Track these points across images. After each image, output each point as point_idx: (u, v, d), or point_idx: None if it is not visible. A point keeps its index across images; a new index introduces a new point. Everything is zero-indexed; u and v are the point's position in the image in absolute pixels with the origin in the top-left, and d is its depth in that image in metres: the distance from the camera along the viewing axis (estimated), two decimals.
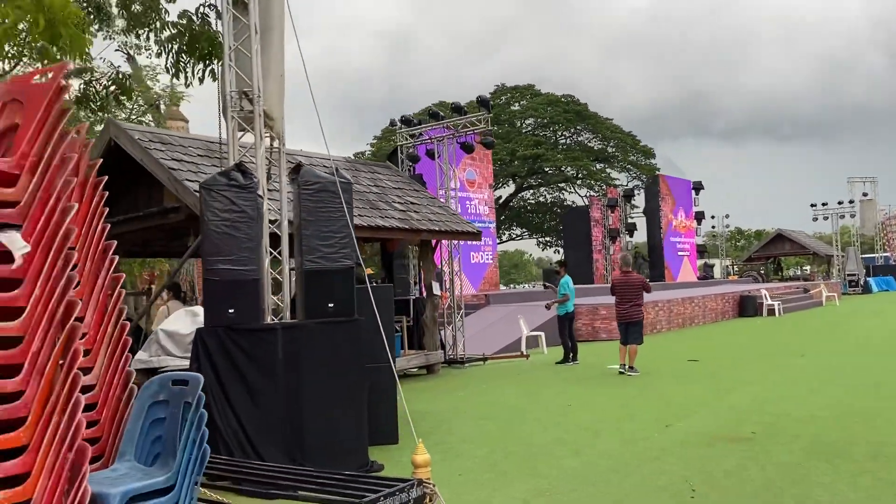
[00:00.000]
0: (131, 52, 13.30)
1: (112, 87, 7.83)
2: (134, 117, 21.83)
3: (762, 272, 44.59)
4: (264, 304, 6.56)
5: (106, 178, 3.52)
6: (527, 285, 60.52)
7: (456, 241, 14.80)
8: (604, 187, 39.36)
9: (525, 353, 14.11)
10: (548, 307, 13.41)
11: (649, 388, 9.71)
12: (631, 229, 32.45)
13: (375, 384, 6.75)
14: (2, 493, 2.19)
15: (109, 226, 3.45)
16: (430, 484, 3.47)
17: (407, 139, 15.57)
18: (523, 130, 42.70)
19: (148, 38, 7.08)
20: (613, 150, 43.47)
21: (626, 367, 10.80)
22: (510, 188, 45.00)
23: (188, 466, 3.25)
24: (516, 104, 43.03)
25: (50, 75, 3.01)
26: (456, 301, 14.37)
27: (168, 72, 7.47)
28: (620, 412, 8.11)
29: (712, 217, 47.28)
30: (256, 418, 5.83)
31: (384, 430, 7.00)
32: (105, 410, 3.43)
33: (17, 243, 2.23)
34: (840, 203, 44.69)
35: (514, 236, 48.06)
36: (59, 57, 5.23)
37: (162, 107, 22.77)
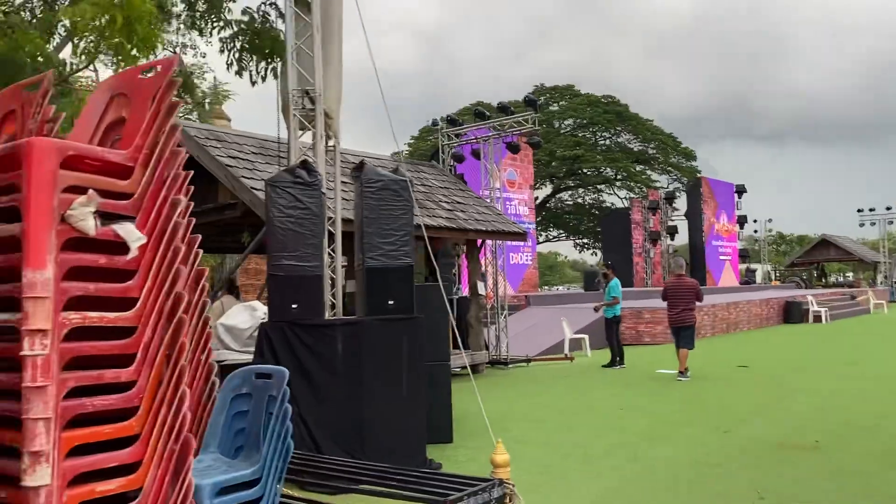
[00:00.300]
0: (176, 51, 13.51)
1: None
2: (181, 115, 22.19)
3: (804, 278, 43.68)
4: (326, 301, 6.61)
5: (192, 172, 3.55)
6: (561, 287, 60.01)
7: (500, 242, 14.77)
8: (644, 189, 38.93)
9: (569, 356, 14.00)
10: (596, 309, 13.28)
11: (702, 393, 9.56)
12: (672, 232, 32.00)
13: (430, 382, 6.75)
14: (116, 481, 2.22)
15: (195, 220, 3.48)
16: (510, 484, 3.45)
17: (452, 138, 15.55)
18: (562, 131, 42.42)
19: (211, 34, 7.17)
20: (654, 151, 42.93)
21: (678, 371, 10.66)
22: (547, 189, 44.73)
23: (273, 460, 3.27)
24: (555, 104, 42.76)
25: (140, 71, 3.06)
26: (500, 301, 14.32)
27: (228, 69, 7.55)
28: (675, 417, 8.00)
29: (754, 221, 46.42)
30: (317, 413, 5.87)
31: (438, 428, 6.99)
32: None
33: (132, 234, 2.27)
34: (889, 209, 43.62)
35: (550, 238, 47.78)
36: (133, 54, 5.32)
37: (205, 105, 23.18)
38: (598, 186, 44.38)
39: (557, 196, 45.69)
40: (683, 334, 10.61)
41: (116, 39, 5.23)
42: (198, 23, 7.22)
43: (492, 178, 15.25)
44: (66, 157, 2.16)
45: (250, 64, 7.20)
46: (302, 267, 6.02)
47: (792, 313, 23.05)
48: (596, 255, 46.11)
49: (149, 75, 2.64)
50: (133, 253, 2.26)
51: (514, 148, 15.37)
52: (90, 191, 2.18)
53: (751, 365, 12.32)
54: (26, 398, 2.02)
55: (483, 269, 14.06)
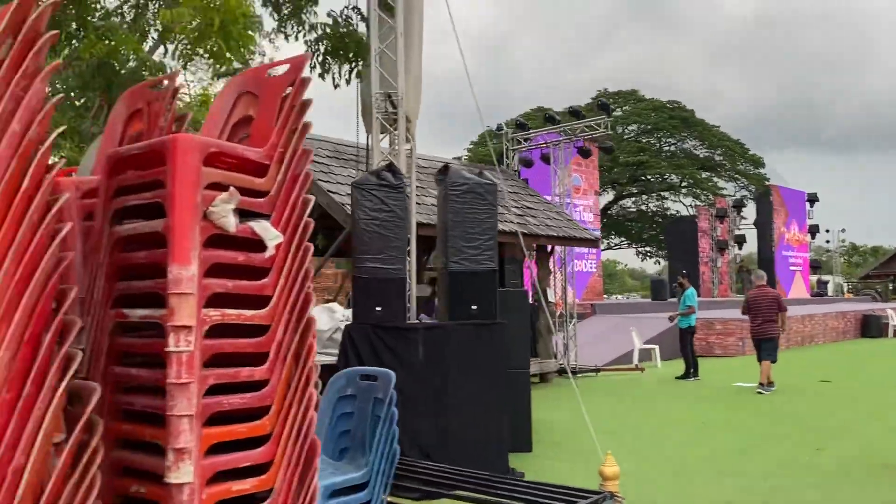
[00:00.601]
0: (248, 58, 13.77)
1: None
2: None
3: (879, 290, 41.84)
4: (408, 303, 6.59)
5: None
6: (620, 297, 58.89)
7: (567, 249, 14.56)
8: (710, 197, 37.97)
9: (639, 366, 13.70)
10: (671, 319, 12.94)
11: (785, 408, 9.20)
12: (740, 241, 31.08)
13: (511, 390, 6.65)
14: (249, 480, 2.20)
15: None
16: (620, 497, 3.33)
17: (518, 143, 15.42)
18: (625, 137, 41.72)
19: (297, 38, 7.26)
20: (721, 158, 41.84)
21: (758, 383, 10.31)
22: (609, 196, 44.02)
23: (380, 464, 3.23)
24: (619, 109, 42.07)
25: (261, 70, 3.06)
26: (568, 309, 14.10)
27: (311, 71, 7.60)
28: (762, 432, 7.71)
29: (826, 231, 44.76)
30: (400, 416, 5.83)
31: (517, 436, 6.87)
32: None
33: (269, 232, 2.25)
34: None
35: (612, 245, 47.01)
36: (228, 56, 5.39)
37: None
38: (663, 193, 43.45)
39: (620, 203, 44.94)
40: (765, 346, 10.25)
41: (212, 41, 5.30)
42: (282, 27, 7.30)
43: (561, 184, 15.07)
44: (208, 153, 2.16)
45: (333, 67, 7.25)
46: (386, 269, 6.01)
47: (870, 327, 22.11)
48: (659, 263, 45.18)
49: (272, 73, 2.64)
50: (270, 251, 2.25)
51: (585, 153, 15.19)
52: (231, 188, 2.17)
53: (833, 379, 11.82)
54: (171, 394, 2.02)
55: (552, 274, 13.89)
